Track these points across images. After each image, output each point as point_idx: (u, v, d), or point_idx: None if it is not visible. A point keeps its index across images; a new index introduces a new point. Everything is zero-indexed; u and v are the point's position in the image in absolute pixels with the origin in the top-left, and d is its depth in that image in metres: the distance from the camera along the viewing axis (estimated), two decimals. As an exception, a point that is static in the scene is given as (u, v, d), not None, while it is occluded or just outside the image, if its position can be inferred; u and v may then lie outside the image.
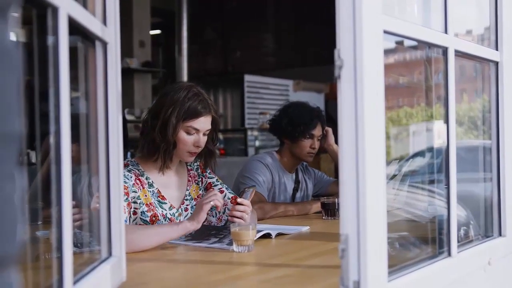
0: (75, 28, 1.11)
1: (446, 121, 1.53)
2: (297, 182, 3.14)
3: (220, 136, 7.66)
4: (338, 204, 2.65)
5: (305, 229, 2.34)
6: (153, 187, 2.22)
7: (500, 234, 1.81)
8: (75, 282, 1.08)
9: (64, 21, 1.01)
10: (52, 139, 1.02)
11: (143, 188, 2.19)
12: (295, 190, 3.13)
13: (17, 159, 0.58)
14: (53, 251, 1.33)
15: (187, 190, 2.35)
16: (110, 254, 1.37)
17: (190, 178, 2.38)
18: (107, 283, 1.29)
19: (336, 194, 2.97)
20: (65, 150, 1.01)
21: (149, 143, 2.19)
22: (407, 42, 1.54)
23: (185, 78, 8.51)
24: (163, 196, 2.24)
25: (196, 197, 2.36)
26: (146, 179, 2.22)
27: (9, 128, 0.56)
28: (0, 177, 0.55)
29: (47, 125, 1.02)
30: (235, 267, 1.73)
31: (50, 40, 1.02)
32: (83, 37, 1.29)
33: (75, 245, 1.25)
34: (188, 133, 2.18)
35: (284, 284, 1.50)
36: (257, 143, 7.47)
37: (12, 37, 0.60)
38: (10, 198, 0.56)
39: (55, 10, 1.00)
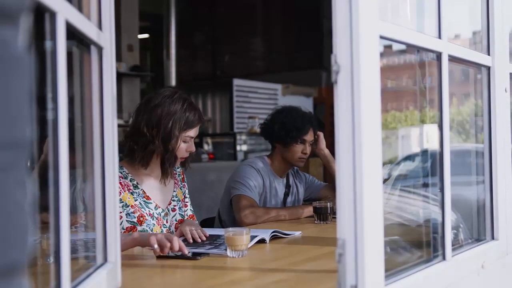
0: (70, 32, 1.11)
1: (440, 125, 1.54)
2: (288, 186, 3.14)
3: (209, 140, 7.64)
4: (330, 208, 2.66)
5: (298, 233, 2.35)
6: (138, 188, 2.28)
7: (493, 238, 1.82)
8: (72, 289, 1.07)
9: (62, 26, 1.01)
10: (49, 144, 1.01)
11: (125, 191, 2.24)
12: (286, 194, 3.13)
13: (27, 166, 0.58)
14: (46, 257, 1.32)
15: (174, 191, 2.42)
16: (105, 260, 1.37)
17: (176, 181, 2.46)
18: (103, 289, 1.29)
19: (327, 198, 2.97)
20: (63, 155, 1.01)
21: (149, 154, 2.25)
22: (396, 46, 1.55)
23: (173, 82, 8.50)
24: (148, 196, 2.29)
25: (181, 199, 2.45)
26: (131, 181, 2.27)
27: (21, 135, 0.56)
28: (11, 184, 0.55)
29: (40, 129, 1.02)
30: (229, 272, 1.72)
31: (47, 44, 1.01)
32: (78, 42, 1.28)
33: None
34: (185, 141, 2.29)
35: (281, 289, 1.50)
36: (246, 147, 7.45)
37: (23, 43, 0.59)
38: (21, 205, 0.56)
39: (53, 15, 0.99)
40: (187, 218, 2.43)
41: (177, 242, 1.83)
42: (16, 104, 0.56)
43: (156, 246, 1.81)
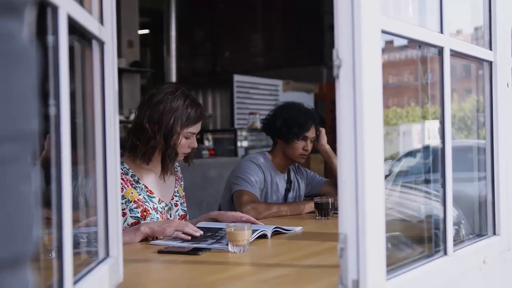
0: (72, 27, 1.10)
1: (442, 121, 1.54)
2: (289, 182, 3.14)
3: (210, 136, 7.65)
4: (331, 204, 2.66)
5: (299, 229, 2.35)
6: (140, 183, 2.29)
7: (494, 233, 1.82)
8: (74, 283, 1.07)
9: (64, 20, 1.01)
10: (52, 140, 1.01)
11: (128, 186, 2.25)
12: (287, 190, 3.13)
13: (32, 159, 0.58)
14: (48, 252, 1.32)
15: (175, 187, 2.45)
16: (107, 254, 1.37)
17: (177, 177, 2.49)
18: (105, 284, 1.29)
19: (328, 194, 2.97)
20: (65, 150, 1.01)
21: (151, 150, 2.27)
22: (397, 42, 1.55)
23: (173, 78, 8.50)
24: (151, 190, 2.31)
25: (182, 196, 2.48)
26: (132, 176, 2.28)
27: (26, 128, 0.57)
28: (16, 176, 0.55)
29: (44, 125, 1.02)
30: (231, 267, 1.72)
31: (49, 39, 1.01)
32: (80, 36, 1.28)
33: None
34: (186, 138, 2.30)
35: (282, 283, 1.50)
36: (247, 144, 7.45)
37: (28, 36, 0.59)
38: (26, 197, 0.56)
39: (55, 9, 0.99)
40: (179, 218, 2.43)
41: (188, 229, 2.06)
42: (21, 97, 0.56)
43: (174, 234, 2.04)
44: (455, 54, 1.61)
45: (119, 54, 7.38)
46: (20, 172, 0.56)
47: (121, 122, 6.56)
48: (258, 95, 8.12)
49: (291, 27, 9.54)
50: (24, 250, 0.56)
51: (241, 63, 9.71)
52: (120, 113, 7.18)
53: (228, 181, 3.02)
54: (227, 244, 1.90)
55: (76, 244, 1.40)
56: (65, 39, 1.02)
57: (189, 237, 2.04)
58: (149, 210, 2.24)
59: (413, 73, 1.94)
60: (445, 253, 1.53)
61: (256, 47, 9.89)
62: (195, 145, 2.36)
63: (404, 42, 1.55)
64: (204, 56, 10.53)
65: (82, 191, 1.54)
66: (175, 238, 2.06)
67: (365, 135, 1.16)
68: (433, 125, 1.71)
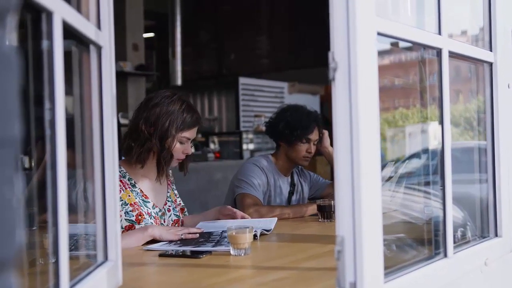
0: (69, 32, 1.11)
1: (441, 122, 1.54)
2: (292, 185, 3.14)
3: (215, 139, 7.65)
4: (334, 206, 2.65)
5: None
6: (136, 187, 2.32)
7: (496, 235, 1.82)
8: (71, 286, 1.08)
9: (58, 25, 1.01)
10: (47, 144, 1.02)
11: (126, 189, 2.27)
12: (291, 193, 3.12)
13: (16, 163, 0.59)
14: (47, 256, 1.33)
15: (168, 192, 2.47)
16: (106, 258, 1.37)
17: (169, 183, 2.51)
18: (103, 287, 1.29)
19: (331, 196, 2.97)
20: (61, 155, 1.01)
21: (146, 152, 2.28)
22: (402, 44, 1.54)
23: (179, 81, 8.51)
24: (146, 195, 2.33)
25: (174, 201, 2.49)
26: (129, 180, 2.31)
27: (9, 132, 0.57)
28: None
29: (41, 130, 1.02)
30: (232, 270, 1.72)
31: (44, 44, 1.02)
32: (77, 41, 1.28)
33: (70, 249, 1.25)
34: (181, 142, 2.32)
35: (282, 286, 1.50)
36: (253, 146, 7.45)
37: (10, 41, 0.60)
38: (9, 202, 0.56)
39: (49, 14, 0.99)
40: (172, 223, 2.44)
41: (192, 229, 2.19)
42: (3, 102, 0.57)
43: (183, 236, 2.12)
44: (454, 55, 1.60)
45: (124, 58, 7.39)
46: (3, 176, 0.56)
47: (126, 125, 6.56)
48: (263, 97, 8.12)
49: (296, 29, 9.53)
50: (7, 254, 0.57)
51: (246, 65, 9.70)
52: (125, 117, 7.18)
53: (231, 184, 3.02)
54: (227, 246, 1.90)
55: (77, 247, 1.41)
56: (60, 44, 1.03)
57: (197, 235, 2.14)
58: (143, 215, 2.26)
59: (418, 74, 1.94)
60: (445, 255, 1.52)
61: (261, 49, 9.88)
62: (189, 151, 2.37)
63: (408, 43, 1.55)
64: (209, 58, 10.53)
65: (83, 196, 1.54)
66: (170, 243, 2.07)
67: (361, 138, 1.16)
68: (438, 127, 1.71)
